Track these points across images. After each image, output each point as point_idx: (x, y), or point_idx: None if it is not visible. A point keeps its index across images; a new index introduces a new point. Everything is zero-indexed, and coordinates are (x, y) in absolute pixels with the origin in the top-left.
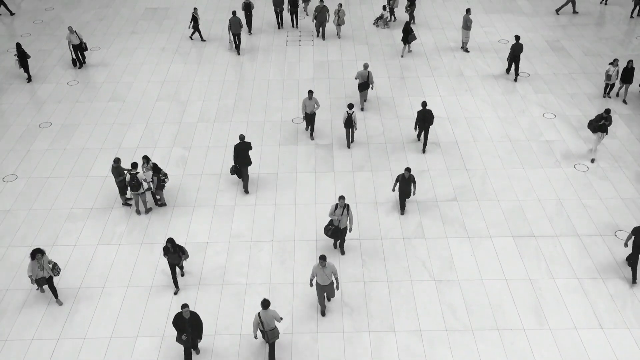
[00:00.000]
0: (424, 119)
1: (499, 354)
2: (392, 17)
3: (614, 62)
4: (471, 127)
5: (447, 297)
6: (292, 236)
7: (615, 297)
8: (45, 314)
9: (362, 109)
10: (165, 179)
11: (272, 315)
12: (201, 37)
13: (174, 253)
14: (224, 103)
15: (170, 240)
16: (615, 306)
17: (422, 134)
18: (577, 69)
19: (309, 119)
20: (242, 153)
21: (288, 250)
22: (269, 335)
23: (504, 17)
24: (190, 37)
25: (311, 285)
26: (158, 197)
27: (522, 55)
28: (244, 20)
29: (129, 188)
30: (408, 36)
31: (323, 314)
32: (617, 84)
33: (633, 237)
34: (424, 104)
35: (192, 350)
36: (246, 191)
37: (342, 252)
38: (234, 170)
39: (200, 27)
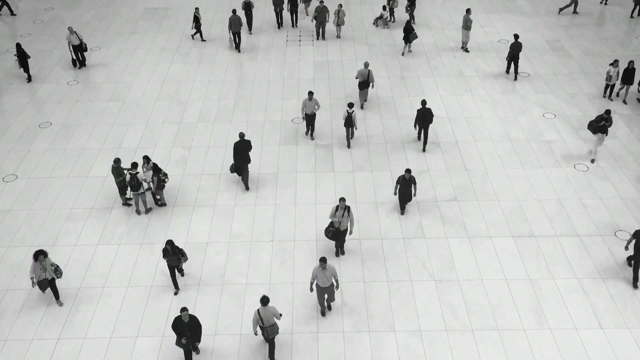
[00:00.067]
0: (424, 118)
1: (499, 354)
2: (392, 17)
3: (615, 63)
4: (471, 127)
5: (447, 297)
6: (292, 236)
7: (615, 297)
8: (45, 314)
9: (362, 107)
10: (165, 179)
11: (272, 312)
12: (201, 37)
13: (174, 255)
14: (224, 103)
15: (170, 243)
16: (615, 306)
17: (422, 132)
18: (577, 69)
19: (309, 120)
20: (242, 151)
21: (288, 250)
22: (269, 331)
23: (504, 17)
24: (193, 36)
25: (311, 290)
26: (158, 197)
27: (522, 55)
28: (244, 20)
29: (129, 188)
30: (409, 35)
31: (323, 314)
32: (618, 84)
33: (634, 240)
34: (424, 102)
35: (192, 351)
36: (246, 187)
37: (342, 253)
38: (234, 169)
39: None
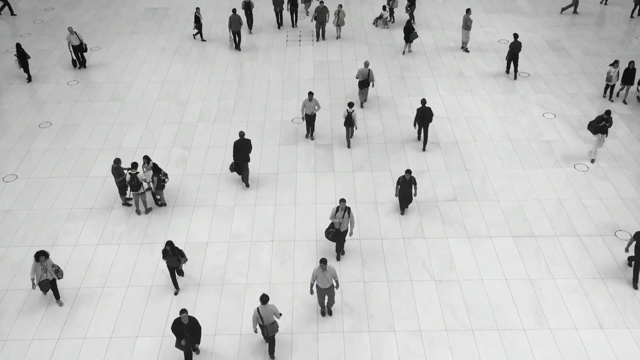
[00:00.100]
0: (424, 116)
1: (499, 354)
2: (392, 17)
3: (615, 64)
4: (471, 127)
5: (447, 297)
6: (292, 236)
7: (615, 297)
8: (45, 314)
9: (361, 106)
10: (165, 179)
11: (272, 310)
12: (202, 37)
13: (173, 256)
14: (224, 103)
15: (170, 243)
16: (616, 306)
17: (422, 131)
18: (577, 69)
19: (309, 120)
20: (241, 150)
21: (288, 250)
22: (269, 328)
23: (504, 17)
24: (194, 36)
25: (312, 292)
26: (158, 197)
27: (522, 55)
28: (244, 19)
29: (129, 188)
30: (409, 34)
31: (323, 314)
32: (618, 85)
33: (634, 242)
34: (424, 101)
35: (192, 352)
36: (247, 185)
37: (342, 253)
38: (234, 168)
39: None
